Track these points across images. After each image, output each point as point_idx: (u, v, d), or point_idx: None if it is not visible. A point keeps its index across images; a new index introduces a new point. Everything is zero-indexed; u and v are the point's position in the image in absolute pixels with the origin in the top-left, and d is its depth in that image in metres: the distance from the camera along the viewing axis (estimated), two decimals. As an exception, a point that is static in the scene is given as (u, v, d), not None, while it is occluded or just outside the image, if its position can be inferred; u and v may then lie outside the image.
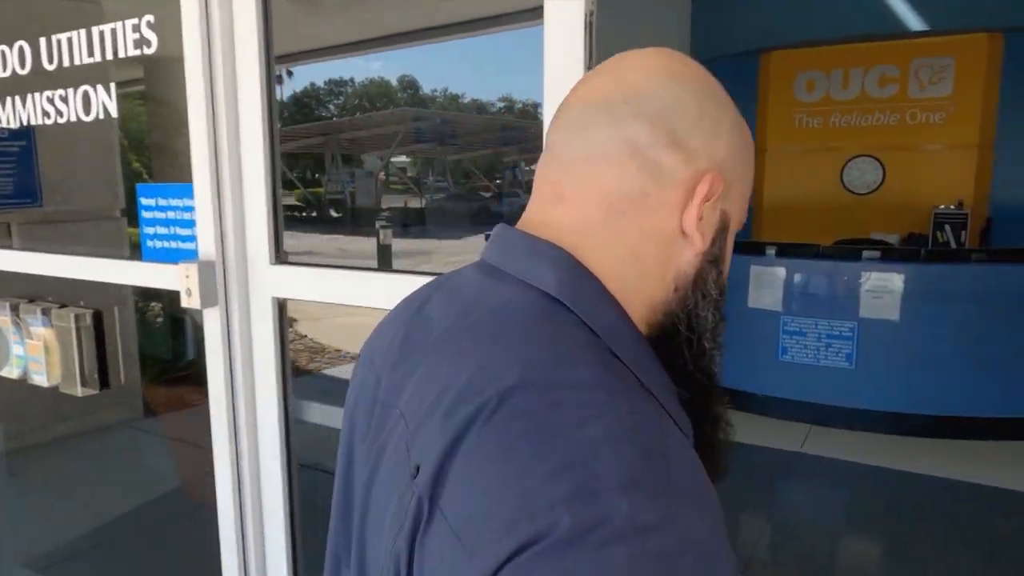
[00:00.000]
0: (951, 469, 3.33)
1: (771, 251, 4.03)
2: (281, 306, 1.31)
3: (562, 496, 0.36)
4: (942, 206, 5.31)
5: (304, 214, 18.62)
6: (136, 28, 1.33)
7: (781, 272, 3.87)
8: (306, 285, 1.27)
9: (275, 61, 1.28)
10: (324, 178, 19.87)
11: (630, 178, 0.50)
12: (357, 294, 1.21)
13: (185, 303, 1.26)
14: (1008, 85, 5.15)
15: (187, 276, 1.25)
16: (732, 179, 0.52)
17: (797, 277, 3.85)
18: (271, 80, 1.26)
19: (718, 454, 0.54)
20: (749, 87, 5.98)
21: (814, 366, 3.85)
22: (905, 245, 5.39)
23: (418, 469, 0.43)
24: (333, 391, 4.77)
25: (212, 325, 1.31)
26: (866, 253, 3.82)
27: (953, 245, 5.18)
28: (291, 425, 1.34)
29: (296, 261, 1.32)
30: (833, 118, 5.65)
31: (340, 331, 6.00)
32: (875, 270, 3.68)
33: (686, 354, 0.52)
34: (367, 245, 8.58)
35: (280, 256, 1.30)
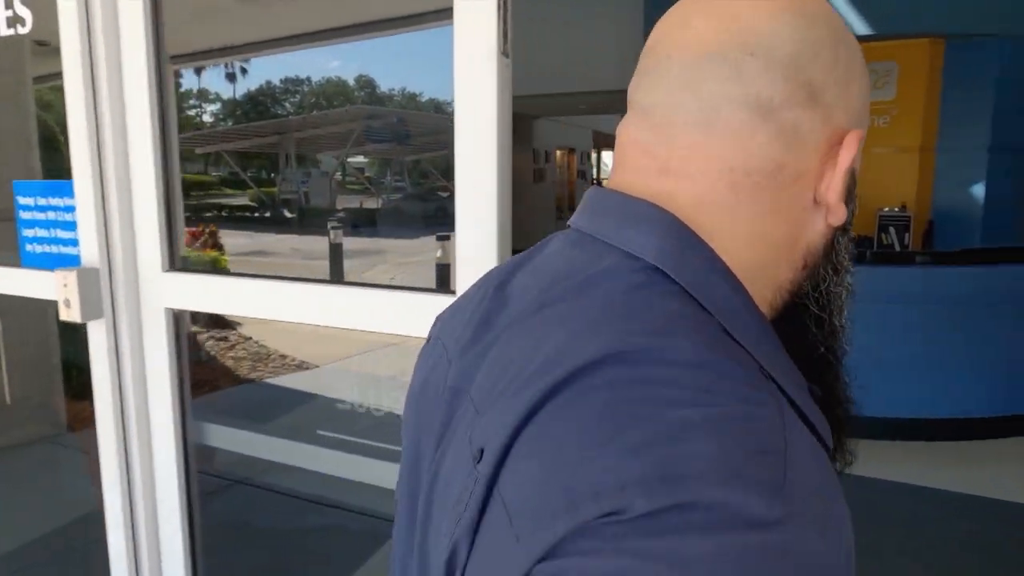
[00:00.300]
0: (897, 471, 3.36)
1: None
2: (177, 318, 1.19)
3: (638, 476, 0.30)
4: (887, 208, 5.40)
5: (257, 214, 18.18)
6: (8, 4, 1.19)
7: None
8: (204, 295, 1.15)
9: (210, 53, 1.16)
10: (278, 177, 19.44)
11: (761, 148, 0.42)
12: (262, 305, 1.10)
13: (64, 315, 1.13)
14: (948, 90, 5.27)
15: (65, 285, 1.12)
16: (863, 135, 0.45)
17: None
18: (162, 70, 1.13)
19: (846, 439, 0.49)
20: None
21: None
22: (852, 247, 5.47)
23: (481, 453, 0.38)
24: (276, 403, 4.60)
25: (97, 340, 1.18)
26: (813, 255, 3.84)
27: (897, 247, 5.27)
28: (190, 449, 1.22)
29: (195, 269, 1.20)
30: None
31: (291, 334, 5.81)
32: (822, 272, 3.69)
33: (815, 335, 0.47)
34: (321, 244, 8.42)
35: (175, 263, 1.18)
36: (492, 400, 0.40)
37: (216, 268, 6.06)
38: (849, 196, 0.45)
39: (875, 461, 3.45)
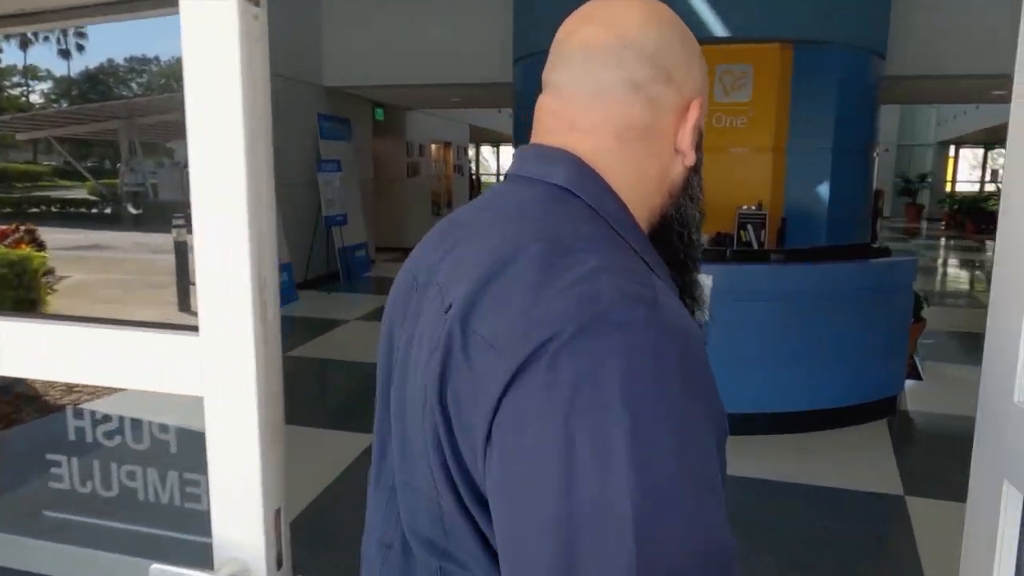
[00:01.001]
0: (757, 467, 3.42)
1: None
2: None
3: (568, 306, 0.48)
4: (744, 207, 5.61)
5: (96, 210, 16.40)
6: None
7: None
8: None
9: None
10: (121, 168, 17.68)
11: (637, 113, 0.61)
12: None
13: None
14: (797, 93, 5.54)
15: None
16: (704, 102, 0.65)
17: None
18: None
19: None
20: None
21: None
22: (714, 245, 5.64)
23: (450, 307, 0.54)
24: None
25: None
26: (678, 253, 3.85)
27: (755, 245, 5.48)
28: None
29: None
30: (647, 119, 5.77)
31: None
32: (687, 270, 3.70)
33: (678, 245, 0.66)
34: (167, 240, 7.63)
35: None
36: (458, 276, 0.55)
37: (25, 268, 5.26)
38: (697, 145, 0.65)
39: (734, 458, 3.50)
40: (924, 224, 19.04)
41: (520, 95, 6.49)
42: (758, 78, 5.52)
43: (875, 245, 5.65)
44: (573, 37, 0.63)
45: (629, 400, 0.45)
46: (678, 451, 0.46)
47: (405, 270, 0.66)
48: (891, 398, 4.08)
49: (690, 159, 0.64)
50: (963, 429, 4.01)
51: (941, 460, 3.55)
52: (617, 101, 0.60)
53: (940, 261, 12.33)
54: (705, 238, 5.69)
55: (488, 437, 0.48)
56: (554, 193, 0.59)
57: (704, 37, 5.39)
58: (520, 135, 6.48)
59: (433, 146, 13.83)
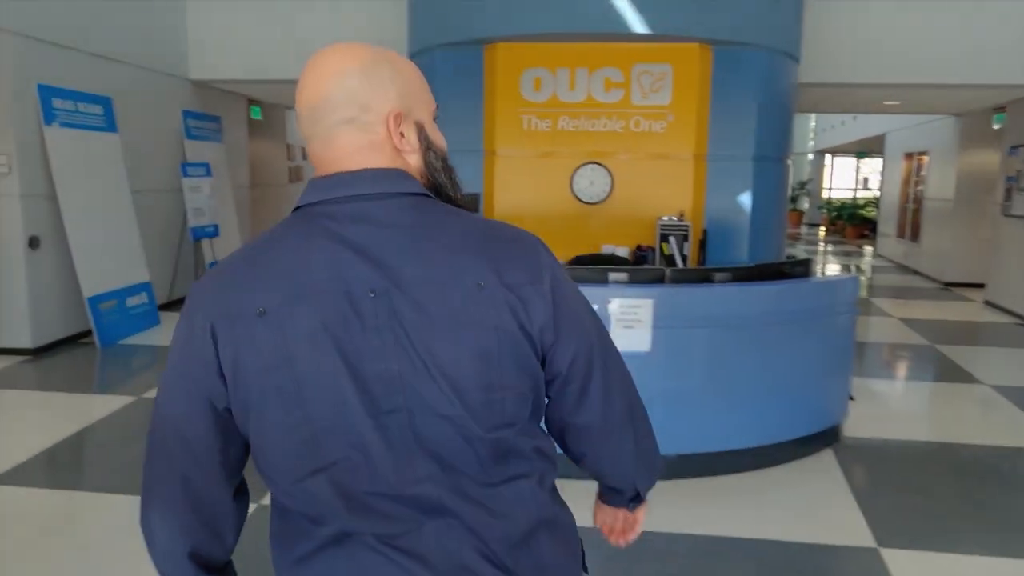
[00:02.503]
0: (697, 518, 2.93)
1: (510, 274, 3.33)
2: None
3: (547, 261, 0.93)
4: (665, 217, 5.21)
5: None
6: None
7: (523, 301, 3.19)
8: None
9: None
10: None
11: (359, 136, 0.87)
12: None
13: None
14: (718, 97, 5.21)
15: None
16: (409, 106, 0.89)
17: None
18: None
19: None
20: (474, 81, 5.34)
21: (564, 411, 3.22)
22: (635, 258, 5.19)
23: (480, 285, 0.83)
24: None
25: None
26: (612, 276, 3.31)
27: (678, 258, 5.08)
28: None
29: None
30: (562, 122, 5.25)
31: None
32: (624, 295, 3.17)
33: (449, 188, 0.95)
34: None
35: None
36: (448, 272, 0.83)
37: None
38: (420, 137, 0.91)
39: (668, 507, 2.99)
40: (804, 229, 19.96)
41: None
42: (678, 79, 5.14)
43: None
44: (301, 97, 0.89)
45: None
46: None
47: (328, 291, 0.82)
48: (835, 427, 3.74)
49: (408, 148, 0.91)
50: (916, 457, 3.69)
51: (908, 499, 3.21)
52: (345, 132, 0.88)
53: (829, 266, 12.74)
54: (624, 251, 5.23)
55: (554, 304, 0.89)
56: (416, 197, 0.89)
57: (621, 33, 4.95)
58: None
59: (320, 149, 12.81)
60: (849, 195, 20.41)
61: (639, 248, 5.25)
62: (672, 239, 5.08)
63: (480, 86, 5.30)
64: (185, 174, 7.25)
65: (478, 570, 0.84)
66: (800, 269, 3.57)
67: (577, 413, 0.97)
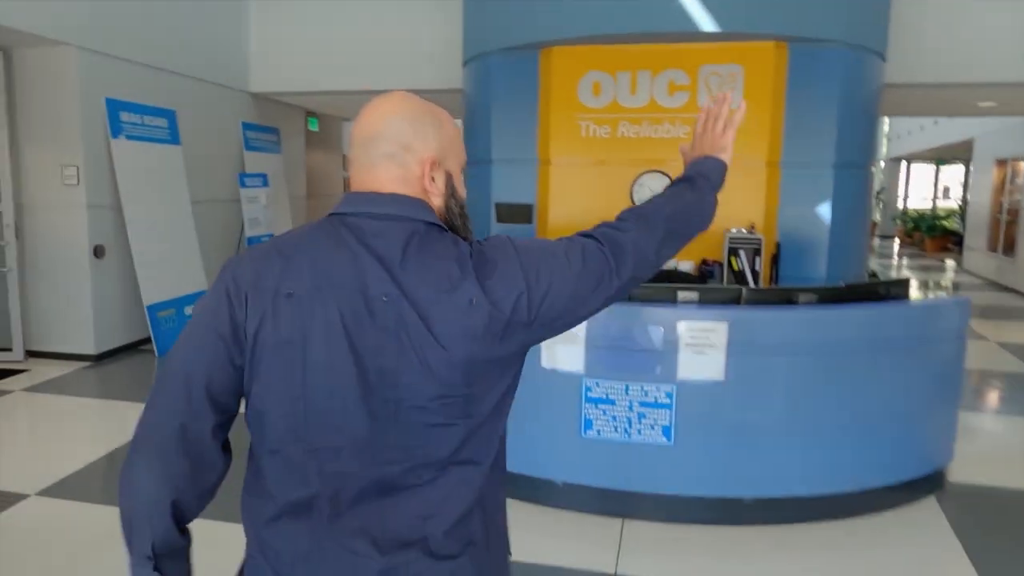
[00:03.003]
0: (790, 566, 2.57)
1: (567, 292, 3.05)
2: None
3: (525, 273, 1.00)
4: (734, 229, 4.83)
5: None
6: None
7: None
8: None
9: None
10: None
11: (396, 170, 1.00)
12: None
13: None
14: (792, 100, 4.81)
15: None
16: (444, 156, 1.03)
17: (602, 327, 2.90)
18: None
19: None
20: (529, 87, 5.10)
21: (626, 443, 2.92)
22: (700, 276, 4.83)
23: (471, 300, 0.93)
24: None
25: None
26: (682, 295, 2.99)
27: (748, 274, 4.70)
28: None
29: None
30: (622, 128, 4.95)
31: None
32: (695, 317, 2.84)
33: (462, 231, 1.05)
34: None
35: None
36: (445, 289, 0.93)
37: None
38: (447, 184, 1.03)
39: (756, 557, 2.63)
40: (876, 241, 18.91)
41: (470, 100, 5.60)
42: (749, 81, 4.77)
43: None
44: (356, 129, 1.03)
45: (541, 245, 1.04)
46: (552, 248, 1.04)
47: (348, 287, 0.94)
48: (939, 471, 3.28)
49: (435, 192, 1.03)
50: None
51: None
52: (386, 164, 1.02)
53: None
54: (688, 265, 4.88)
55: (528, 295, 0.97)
56: (427, 225, 1.01)
57: (688, 33, 4.62)
58: (470, 144, 5.59)
59: (377, 160, 12.84)
60: (926, 205, 19.26)
61: (704, 263, 4.89)
62: (742, 253, 4.70)
63: (535, 92, 5.06)
64: (243, 184, 7.26)
65: (417, 546, 0.95)
66: (897, 290, 3.15)
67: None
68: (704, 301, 3.00)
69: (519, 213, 5.15)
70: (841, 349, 2.93)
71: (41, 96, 5.19)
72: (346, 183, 11.07)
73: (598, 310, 1.05)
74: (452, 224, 1.03)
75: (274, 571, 0.96)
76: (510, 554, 1.13)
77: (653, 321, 2.88)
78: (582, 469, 2.99)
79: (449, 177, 1.03)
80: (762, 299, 3.07)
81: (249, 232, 7.26)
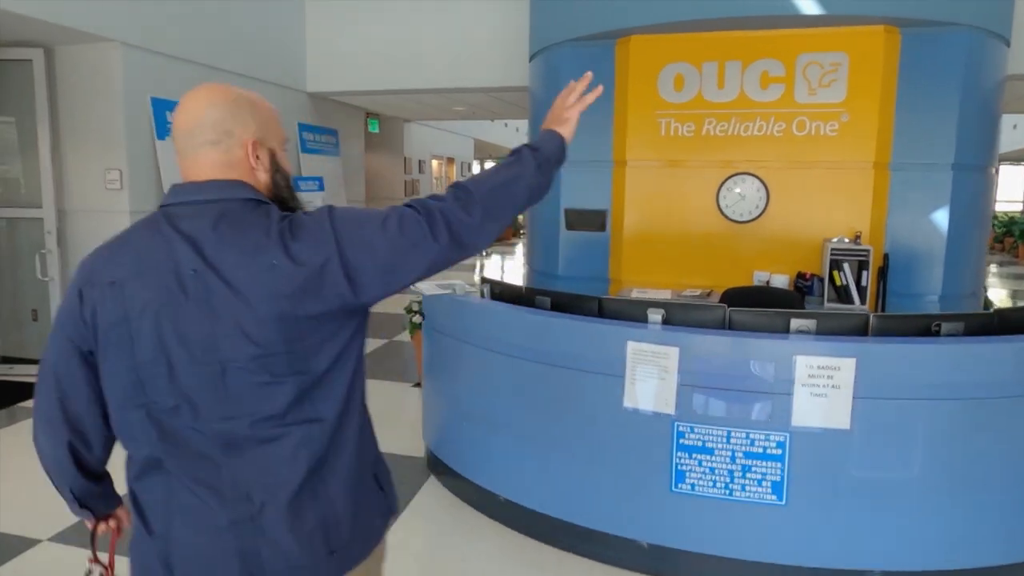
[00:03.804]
0: None
1: (655, 317, 2.59)
2: None
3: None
4: (835, 239, 4.27)
5: None
6: None
7: (674, 353, 2.44)
8: None
9: None
10: None
11: (221, 155, 1.09)
12: None
13: None
14: (905, 92, 4.22)
15: None
16: (264, 136, 1.13)
17: (698, 361, 2.44)
18: None
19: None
20: (604, 81, 4.63)
21: (726, 501, 2.44)
22: (796, 289, 4.29)
23: (274, 264, 1.03)
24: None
25: None
26: (796, 323, 2.49)
27: (854, 291, 4.13)
28: None
29: None
30: (707, 125, 4.44)
31: None
32: (814, 352, 2.35)
33: (291, 202, 1.16)
34: None
35: None
36: (249, 254, 1.03)
37: None
38: (271, 160, 1.14)
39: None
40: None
41: (537, 97, 5.19)
42: (855, 71, 4.20)
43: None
44: (178, 122, 1.12)
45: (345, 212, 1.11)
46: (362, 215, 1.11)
47: (162, 269, 1.06)
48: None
49: (261, 170, 1.13)
50: None
51: None
52: (211, 150, 1.11)
53: (993, 291, 10.89)
54: (782, 279, 4.33)
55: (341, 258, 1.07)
56: (246, 201, 1.10)
57: (785, 16, 4.09)
58: (539, 147, 5.18)
59: (435, 162, 12.56)
60: (1014, 208, 17.81)
61: (800, 276, 4.34)
62: (846, 266, 4.14)
63: (610, 86, 4.61)
64: (297, 189, 6.97)
65: (261, 501, 1.06)
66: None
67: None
68: (823, 331, 2.50)
69: (591, 220, 4.71)
70: (995, 392, 2.38)
71: (84, 96, 4.99)
72: (408, 186, 10.83)
73: (423, 273, 1.12)
74: (280, 196, 1.15)
75: (141, 519, 1.10)
76: (395, 512, 1.27)
77: (761, 355, 2.39)
78: (672, 530, 2.53)
79: (272, 154, 1.14)
80: (895, 328, 2.54)
81: (304, 236, 7.04)
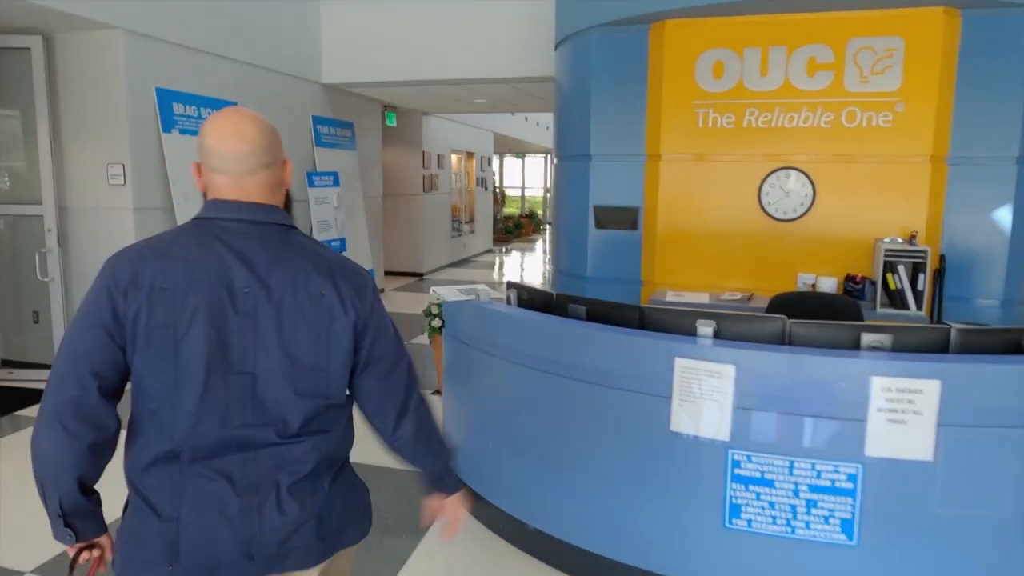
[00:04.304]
0: None
1: (706, 330, 2.31)
2: None
3: (368, 282, 1.34)
4: (887, 239, 3.95)
5: None
6: None
7: (729, 372, 2.15)
8: None
9: None
10: None
11: (271, 176, 1.24)
12: None
13: None
14: (966, 80, 3.88)
15: None
16: (285, 156, 1.30)
17: (755, 380, 2.15)
18: None
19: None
20: (636, 69, 4.35)
21: (788, 539, 2.16)
22: (847, 293, 3.97)
23: (322, 295, 1.23)
24: None
25: None
26: (868, 337, 2.19)
27: (909, 295, 3.81)
28: None
29: None
30: (749, 116, 4.13)
31: None
32: (891, 372, 2.05)
33: (290, 214, 1.29)
34: None
35: None
36: (300, 280, 1.21)
37: None
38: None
39: None
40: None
41: (563, 87, 4.90)
42: (911, 57, 3.86)
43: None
44: (226, 144, 1.21)
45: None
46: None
47: (214, 282, 1.17)
48: None
49: (286, 184, 1.31)
50: None
51: None
52: (265, 173, 1.25)
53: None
54: (830, 282, 4.02)
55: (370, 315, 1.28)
56: (285, 227, 1.26)
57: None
58: (564, 137, 4.89)
59: (454, 156, 12.29)
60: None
61: (849, 279, 4.02)
62: (901, 268, 3.81)
63: (643, 74, 4.31)
64: (311, 184, 6.81)
65: (267, 491, 1.18)
66: None
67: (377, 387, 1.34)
68: (899, 347, 2.20)
69: (622, 218, 4.42)
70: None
71: (85, 86, 4.73)
72: (426, 181, 10.58)
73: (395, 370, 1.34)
74: (288, 208, 1.33)
75: (149, 506, 1.16)
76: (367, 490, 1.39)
77: (829, 375, 2.10)
78: (725, 570, 2.25)
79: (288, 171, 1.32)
80: (979, 344, 2.23)
81: (318, 236, 6.81)
